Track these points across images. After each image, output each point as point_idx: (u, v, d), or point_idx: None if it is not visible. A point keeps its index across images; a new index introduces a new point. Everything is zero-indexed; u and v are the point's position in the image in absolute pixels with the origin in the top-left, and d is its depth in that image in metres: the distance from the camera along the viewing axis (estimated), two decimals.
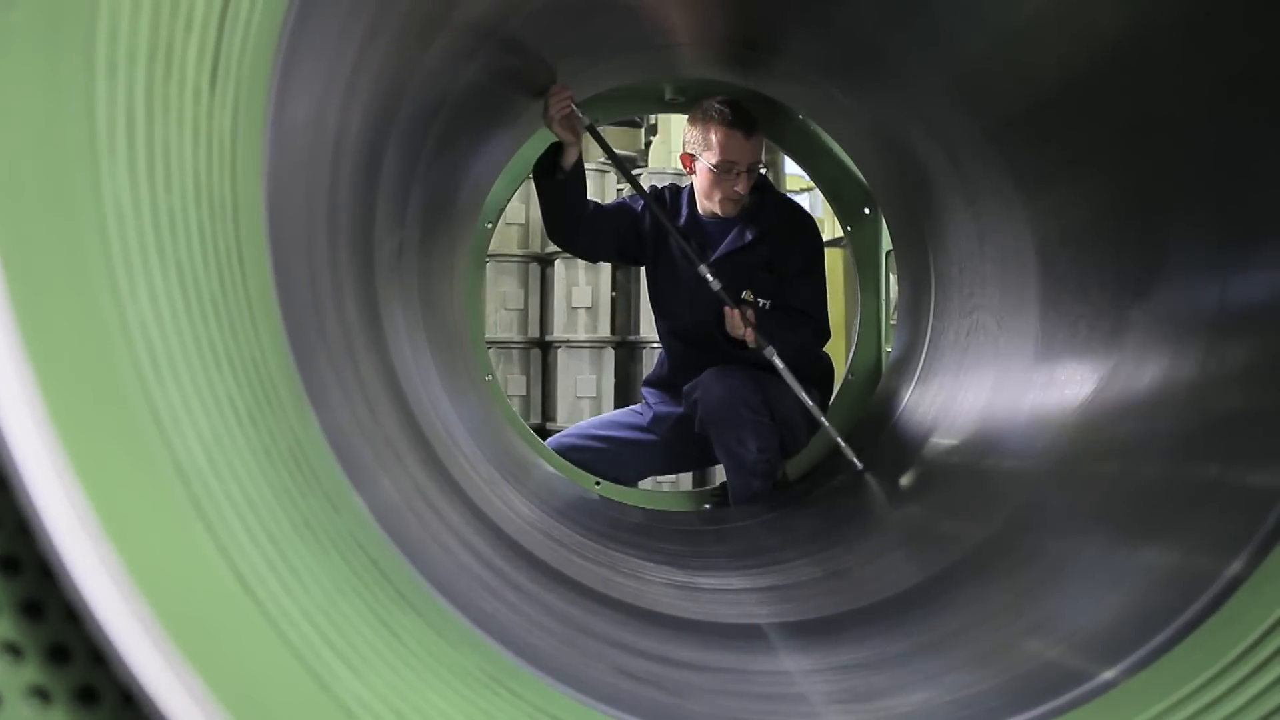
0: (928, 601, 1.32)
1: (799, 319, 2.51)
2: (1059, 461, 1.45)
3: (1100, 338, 1.57)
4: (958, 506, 1.68)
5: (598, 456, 2.72)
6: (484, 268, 2.76)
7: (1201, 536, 1.02)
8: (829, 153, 2.74)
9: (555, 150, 2.32)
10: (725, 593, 1.61)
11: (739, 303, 2.35)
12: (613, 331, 4.80)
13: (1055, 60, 1.52)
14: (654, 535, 2.12)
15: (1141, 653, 0.87)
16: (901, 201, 2.50)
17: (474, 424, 1.93)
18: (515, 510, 1.60)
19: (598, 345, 4.71)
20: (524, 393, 4.86)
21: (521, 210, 4.88)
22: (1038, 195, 1.77)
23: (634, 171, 4.86)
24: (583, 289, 4.73)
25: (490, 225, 2.75)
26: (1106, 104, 1.45)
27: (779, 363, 2.31)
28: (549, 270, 4.87)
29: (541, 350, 4.91)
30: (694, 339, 2.53)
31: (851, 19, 1.80)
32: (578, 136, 2.25)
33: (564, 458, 2.70)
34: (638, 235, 2.57)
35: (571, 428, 2.91)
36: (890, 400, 2.46)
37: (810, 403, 2.33)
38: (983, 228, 2.01)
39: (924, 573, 1.40)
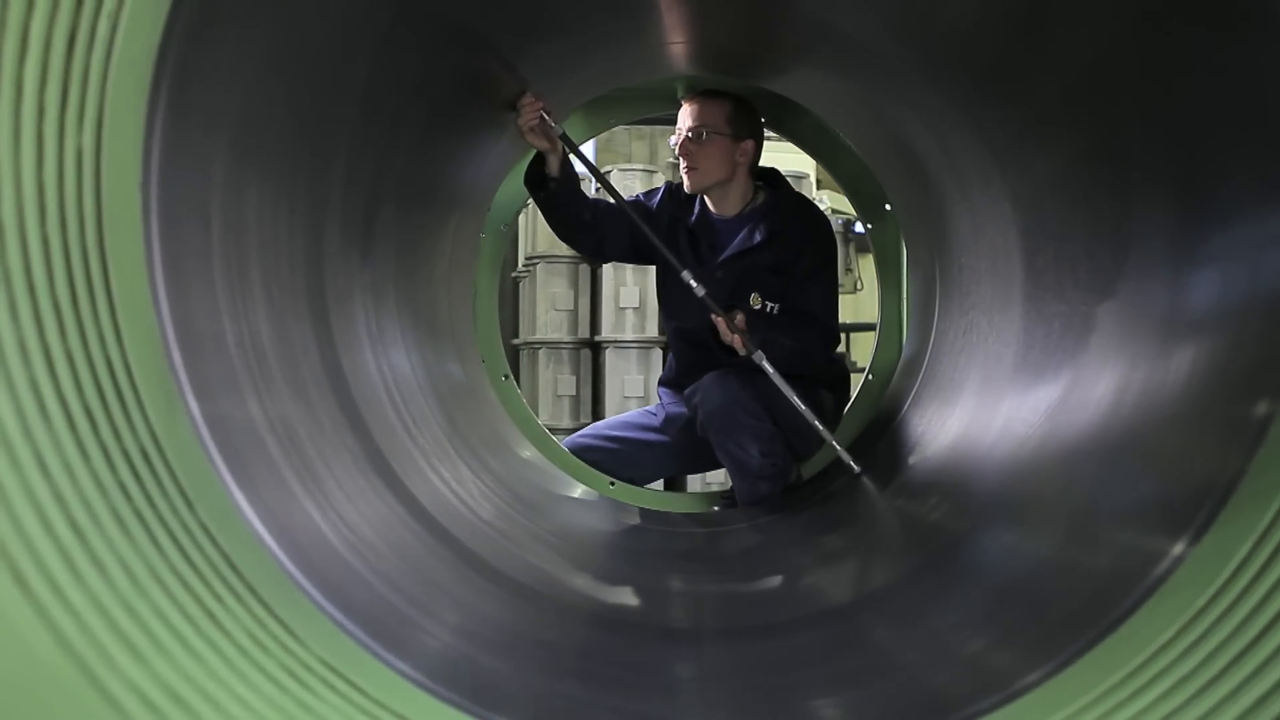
0: (851, 620, 1.29)
1: (805, 322, 2.46)
2: (999, 496, 1.41)
3: (1072, 338, 1.50)
4: (912, 527, 1.64)
5: (611, 457, 2.73)
6: (498, 271, 2.79)
7: (1072, 605, 0.99)
8: (846, 149, 2.68)
9: (541, 159, 2.33)
10: (684, 596, 1.60)
11: (727, 309, 2.31)
12: (660, 331, 4.80)
13: (1008, 21, 1.46)
14: (640, 536, 2.12)
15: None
16: (909, 197, 2.43)
17: (457, 423, 1.96)
18: (474, 509, 1.63)
19: (645, 345, 4.72)
20: (574, 393, 4.91)
21: None
22: (1020, 182, 1.70)
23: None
24: (630, 289, 4.74)
25: (505, 228, 2.79)
26: (1063, 62, 1.39)
27: (769, 368, 2.27)
28: (599, 271, 4.90)
29: (592, 350, 4.94)
30: (698, 341, 2.51)
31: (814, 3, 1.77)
32: (554, 144, 2.26)
33: (579, 458, 2.72)
34: (645, 240, 2.56)
35: (587, 428, 2.93)
36: (896, 402, 2.40)
37: (803, 406, 2.28)
38: (977, 221, 1.94)
39: (861, 590, 1.37)
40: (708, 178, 2.46)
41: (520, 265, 5.37)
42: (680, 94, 2.72)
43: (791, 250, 2.45)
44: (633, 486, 2.72)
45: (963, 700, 0.97)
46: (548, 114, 2.17)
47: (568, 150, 2.32)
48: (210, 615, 0.81)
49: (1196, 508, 0.96)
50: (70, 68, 0.84)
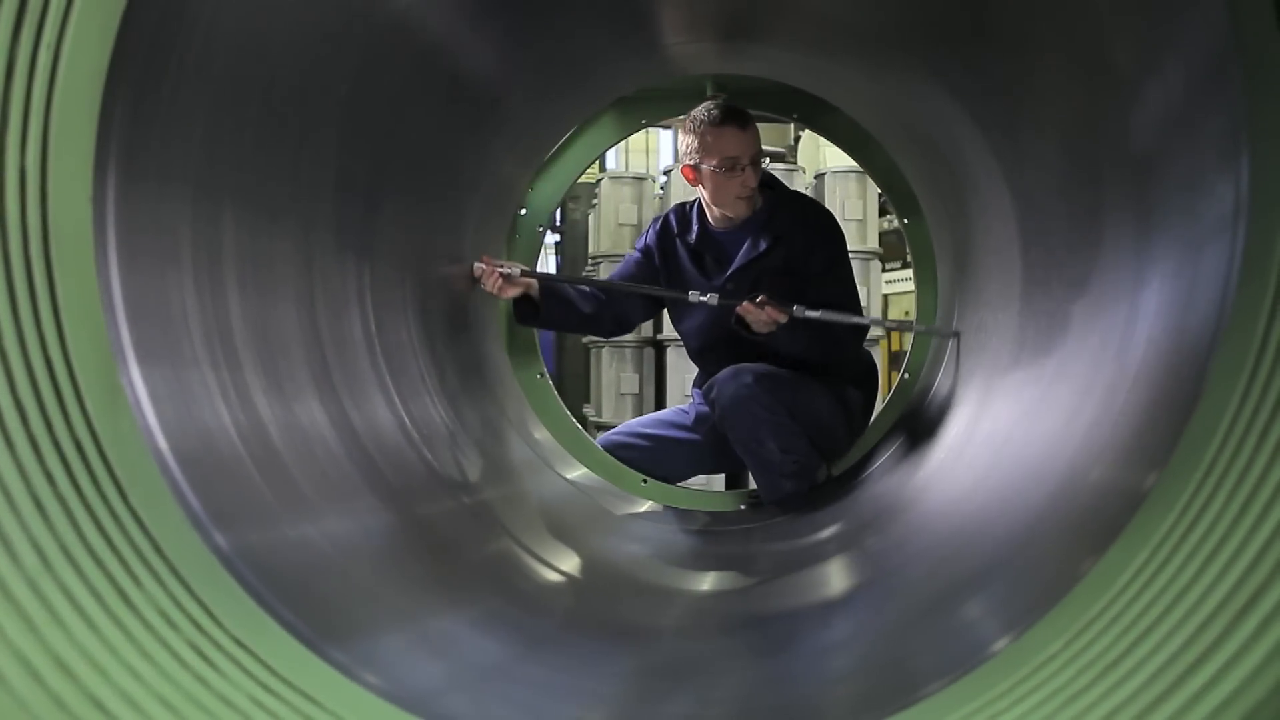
0: (789, 629, 1.29)
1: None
2: (956, 512, 1.38)
3: (1053, 338, 1.45)
4: (883, 538, 1.61)
5: (643, 454, 2.76)
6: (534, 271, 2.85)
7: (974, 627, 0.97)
8: (878, 145, 2.63)
9: (523, 298, 2.40)
10: (652, 592, 1.62)
11: (747, 298, 2.27)
12: None
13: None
14: (634, 531, 2.13)
15: None
16: (933, 193, 2.37)
17: (465, 419, 2.03)
18: (456, 495, 1.68)
19: None
20: (636, 391, 4.96)
21: (633, 211, 4.99)
22: (1016, 175, 1.66)
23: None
24: None
25: (540, 229, 2.85)
26: (1025, 27, 1.35)
27: (814, 314, 2.22)
28: None
29: (654, 349, 4.98)
30: (722, 356, 2.51)
31: None
32: (525, 284, 2.36)
33: (613, 455, 2.76)
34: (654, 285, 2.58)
35: (621, 425, 2.96)
36: (921, 402, 2.34)
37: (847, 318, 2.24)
38: (986, 217, 1.89)
39: (803, 600, 1.37)
40: (752, 202, 2.45)
41: (589, 263, 5.47)
42: (709, 91, 2.73)
43: (799, 251, 2.41)
44: (663, 484, 2.74)
45: (868, 703, 0.97)
46: (501, 266, 2.28)
47: (533, 278, 2.40)
48: (121, 594, 0.88)
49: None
50: (9, 94, 0.93)
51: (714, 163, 2.37)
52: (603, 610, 1.43)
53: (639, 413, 4.94)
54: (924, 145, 2.17)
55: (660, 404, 4.91)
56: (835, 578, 1.52)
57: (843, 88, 2.39)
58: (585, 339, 5.37)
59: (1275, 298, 0.84)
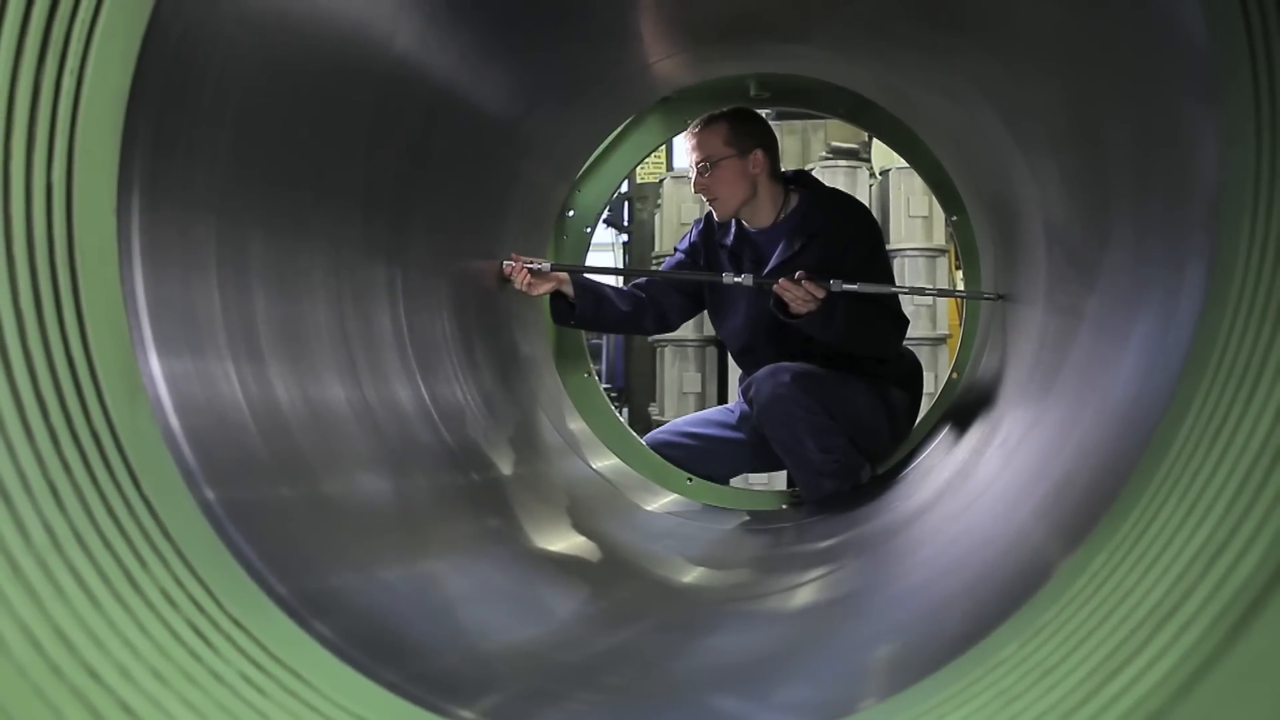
0: (761, 637, 1.29)
1: (869, 308, 2.38)
2: (955, 529, 1.35)
3: (1065, 336, 1.43)
4: (890, 543, 1.59)
5: (689, 453, 2.78)
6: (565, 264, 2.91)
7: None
8: (921, 142, 2.58)
9: (558, 294, 2.43)
10: (649, 587, 1.64)
11: (784, 276, 2.24)
12: None
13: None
14: (652, 525, 2.15)
15: None
16: (973, 188, 2.31)
17: (497, 411, 2.09)
18: (466, 472, 1.74)
19: None
20: (699, 389, 4.97)
21: (696, 210, 4.99)
22: (1038, 167, 1.62)
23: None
24: None
25: (589, 230, 2.90)
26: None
27: (853, 285, 2.21)
28: None
29: (717, 348, 4.99)
30: (763, 357, 2.52)
31: None
32: (558, 280, 2.37)
33: (659, 454, 2.80)
34: (695, 283, 2.61)
35: (666, 425, 2.99)
36: (962, 401, 2.29)
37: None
38: (1016, 213, 1.85)
39: (791, 603, 1.37)
40: (731, 202, 2.47)
41: (652, 263, 5.51)
42: (753, 91, 2.73)
43: (835, 248, 2.40)
44: (709, 483, 2.76)
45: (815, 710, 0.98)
46: (531, 263, 2.30)
47: (562, 270, 2.41)
48: (126, 573, 0.95)
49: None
50: (36, 115, 1.02)
51: None
52: (577, 587, 1.46)
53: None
54: (960, 142, 2.13)
55: (722, 402, 4.91)
56: (838, 583, 1.51)
57: (881, 86, 2.36)
58: (651, 338, 5.41)
59: (1239, 296, 0.82)
